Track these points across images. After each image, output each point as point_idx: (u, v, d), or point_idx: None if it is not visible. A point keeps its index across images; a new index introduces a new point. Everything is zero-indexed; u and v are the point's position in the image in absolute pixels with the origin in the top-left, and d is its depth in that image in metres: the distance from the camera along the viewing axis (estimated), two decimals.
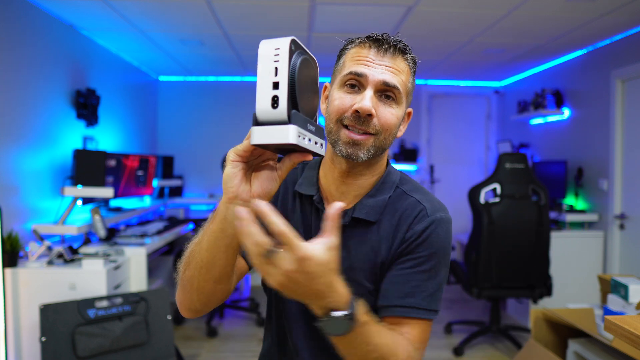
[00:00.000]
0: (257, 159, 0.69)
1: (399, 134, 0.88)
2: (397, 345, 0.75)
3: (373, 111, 0.79)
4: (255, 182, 0.68)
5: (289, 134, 0.58)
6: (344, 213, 0.87)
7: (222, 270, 0.73)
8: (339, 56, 0.88)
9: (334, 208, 0.61)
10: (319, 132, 0.67)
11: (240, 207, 0.59)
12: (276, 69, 0.60)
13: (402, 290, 0.82)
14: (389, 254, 0.85)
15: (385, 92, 0.81)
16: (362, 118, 0.80)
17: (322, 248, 0.58)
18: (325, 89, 0.91)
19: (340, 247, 0.86)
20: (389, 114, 0.82)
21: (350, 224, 0.87)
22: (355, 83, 0.82)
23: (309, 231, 0.90)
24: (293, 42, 0.61)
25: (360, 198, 0.89)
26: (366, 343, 0.69)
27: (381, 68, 0.81)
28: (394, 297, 0.82)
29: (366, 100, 0.79)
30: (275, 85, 0.60)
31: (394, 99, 0.82)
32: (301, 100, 0.62)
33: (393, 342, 0.74)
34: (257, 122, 0.61)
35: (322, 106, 0.89)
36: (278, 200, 0.93)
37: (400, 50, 0.83)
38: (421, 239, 0.83)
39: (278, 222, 0.56)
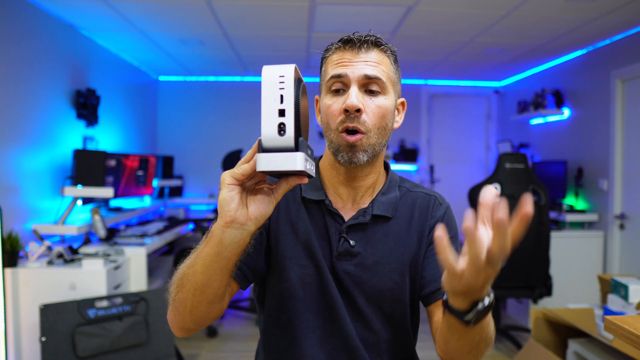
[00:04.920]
0: (249, 182, 0.69)
1: (396, 125, 0.91)
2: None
3: (361, 106, 0.81)
4: (252, 205, 0.68)
5: (297, 162, 0.59)
6: (363, 212, 0.90)
7: (216, 292, 0.73)
8: (320, 67, 0.90)
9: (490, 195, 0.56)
10: (312, 154, 0.69)
11: (468, 213, 0.55)
12: (282, 96, 0.60)
13: None
14: (420, 245, 0.91)
15: (370, 85, 0.83)
16: (352, 115, 0.81)
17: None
18: (317, 102, 0.92)
19: (366, 244, 0.88)
20: (376, 107, 0.83)
21: (371, 221, 0.90)
22: (340, 86, 0.84)
23: (325, 234, 0.90)
24: (295, 69, 0.62)
25: (370, 197, 0.92)
26: (487, 323, 0.70)
27: (360, 64, 0.83)
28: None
29: (352, 97, 0.81)
30: (282, 113, 0.60)
31: (379, 91, 0.84)
32: (302, 126, 0.63)
33: None
34: (262, 149, 0.61)
35: (318, 118, 0.91)
36: (280, 210, 0.93)
37: (373, 43, 0.85)
38: (444, 223, 0.91)
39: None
